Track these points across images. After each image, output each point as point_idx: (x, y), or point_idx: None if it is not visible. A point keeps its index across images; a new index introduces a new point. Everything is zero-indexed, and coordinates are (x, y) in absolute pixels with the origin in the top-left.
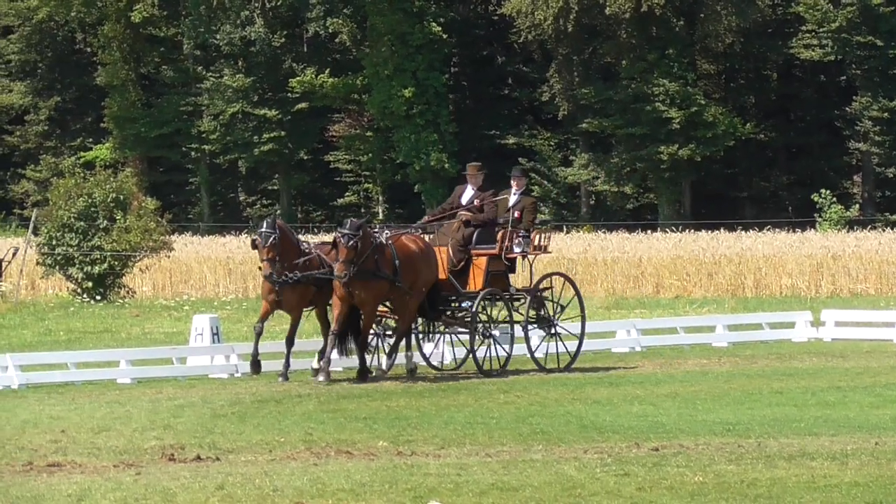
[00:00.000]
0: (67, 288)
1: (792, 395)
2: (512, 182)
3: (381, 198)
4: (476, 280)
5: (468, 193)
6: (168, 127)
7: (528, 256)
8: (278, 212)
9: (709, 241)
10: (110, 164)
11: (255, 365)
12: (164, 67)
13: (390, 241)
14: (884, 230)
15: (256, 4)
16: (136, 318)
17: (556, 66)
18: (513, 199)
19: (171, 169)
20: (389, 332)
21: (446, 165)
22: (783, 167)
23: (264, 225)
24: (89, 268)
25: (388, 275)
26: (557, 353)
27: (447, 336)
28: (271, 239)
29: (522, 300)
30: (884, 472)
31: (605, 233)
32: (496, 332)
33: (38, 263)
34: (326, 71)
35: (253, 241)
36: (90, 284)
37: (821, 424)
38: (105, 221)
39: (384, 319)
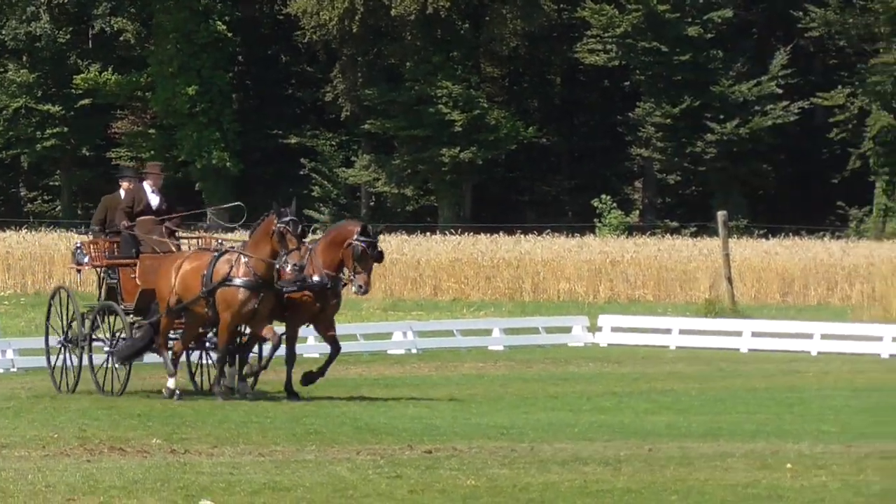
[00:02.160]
0: None
1: (567, 400)
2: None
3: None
4: None
5: (153, 198)
6: None
7: None
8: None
9: (488, 244)
10: None
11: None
12: None
13: None
14: (663, 236)
15: (42, 0)
16: None
17: (340, 67)
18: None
19: None
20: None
21: (228, 164)
22: (565, 172)
23: (289, 212)
24: None
25: None
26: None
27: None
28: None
29: None
30: (656, 479)
31: (384, 234)
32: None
33: None
34: (110, 68)
35: (280, 231)
36: None
37: (595, 430)
38: None
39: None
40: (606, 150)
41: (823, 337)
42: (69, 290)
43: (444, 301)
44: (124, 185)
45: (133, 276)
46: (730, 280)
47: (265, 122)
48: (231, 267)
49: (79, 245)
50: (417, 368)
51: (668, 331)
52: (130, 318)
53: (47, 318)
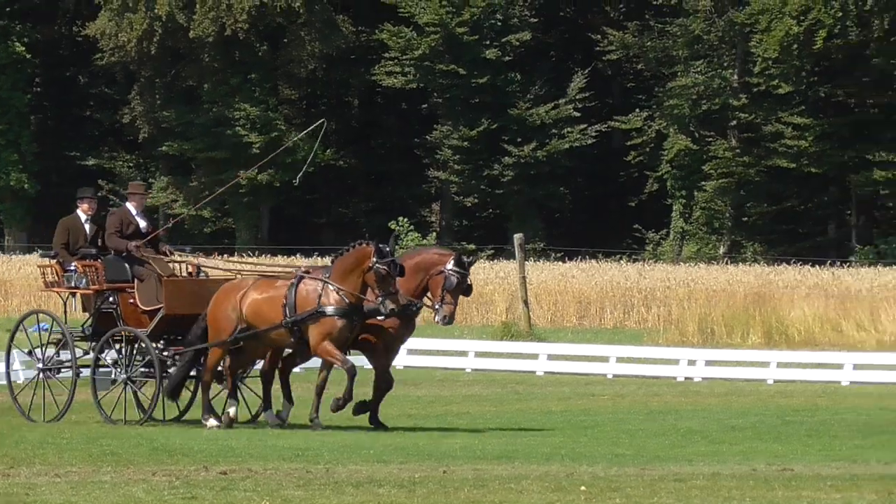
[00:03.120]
0: None
1: (363, 423)
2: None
3: None
4: None
5: (140, 220)
6: None
7: None
8: None
9: (284, 266)
10: None
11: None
12: None
13: None
14: None
15: None
16: None
17: (138, 89)
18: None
19: None
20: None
21: (26, 185)
22: (363, 194)
23: (389, 251)
24: None
25: None
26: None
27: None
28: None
29: None
30: (450, 501)
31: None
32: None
33: None
34: None
35: (381, 273)
36: None
37: (391, 452)
38: None
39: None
40: (404, 173)
41: (619, 360)
42: (53, 315)
43: None
44: (83, 206)
45: (131, 300)
46: (526, 303)
47: (63, 144)
48: (320, 296)
49: (72, 268)
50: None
51: (464, 353)
52: (156, 345)
53: (10, 341)
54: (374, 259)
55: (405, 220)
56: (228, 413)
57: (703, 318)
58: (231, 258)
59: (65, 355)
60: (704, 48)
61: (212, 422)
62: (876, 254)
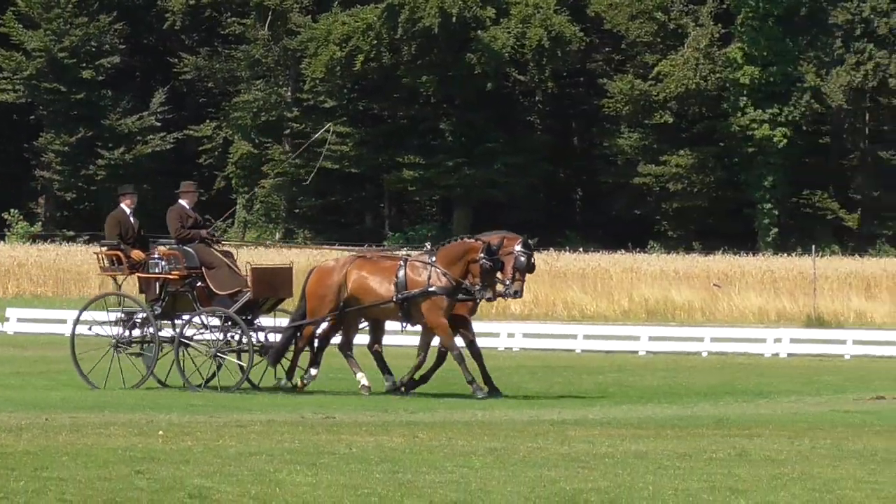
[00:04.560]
0: None
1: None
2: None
3: None
4: None
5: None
6: None
7: None
8: None
9: None
10: None
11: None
12: None
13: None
14: (61, 243)
15: None
16: None
17: None
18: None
19: None
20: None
21: None
22: None
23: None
24: None
25: None
26: None
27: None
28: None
29: None
30: (51, 443)
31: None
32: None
33: None
34: None
35: (486, 268)
36: None
37: (3, 403)
38: None
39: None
40: (14, 174)
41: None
42: (134, 297)
43: None
44: (126, 201)
45: (199, 284)
46: None
47: None
48: (430, 277)
49: (156, 256)
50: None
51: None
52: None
53: (77, 318)
54: (482, 253)
55: (16, 211)
56: (311, 373)
57: None
58: None
59: (136, 332)
60: (263, 69)
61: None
62: (405, 239)
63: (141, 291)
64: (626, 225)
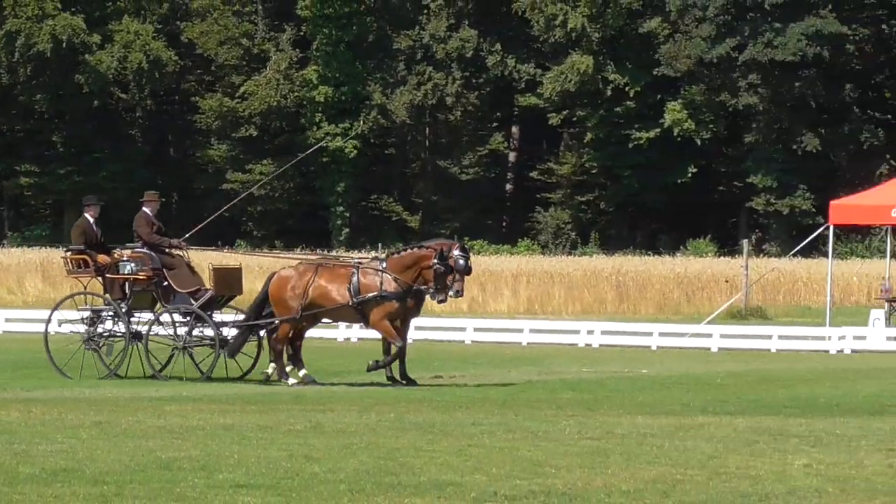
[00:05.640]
0: None
1: None
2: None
3: None
4: None
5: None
6: None
7: None
8: None
9: None
10: None
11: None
12: None
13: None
14: None
15: None
16: None
17: None
18: None
19: None
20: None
21: None
22: None
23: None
24: None
25: None
26: None
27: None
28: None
29: None
30: None
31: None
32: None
33: None
34: None
35: (439, 273)
36: None
37: None
38: None
39: None
40: None
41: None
42: (105, 297)
43: None
44: (90, 211)
45: (164, 283)
46: None
47: None
48: (381, 282)
49: (126, 259)
50: None
51: None
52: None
53: (48, 321)
54: (435, 259)
55: None
56: (300, 375)
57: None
58: None
59: (100, 328)
60: None
61: (291, 381)
62: (23, 238)
63: (105, 292)
64: (217, 225)
